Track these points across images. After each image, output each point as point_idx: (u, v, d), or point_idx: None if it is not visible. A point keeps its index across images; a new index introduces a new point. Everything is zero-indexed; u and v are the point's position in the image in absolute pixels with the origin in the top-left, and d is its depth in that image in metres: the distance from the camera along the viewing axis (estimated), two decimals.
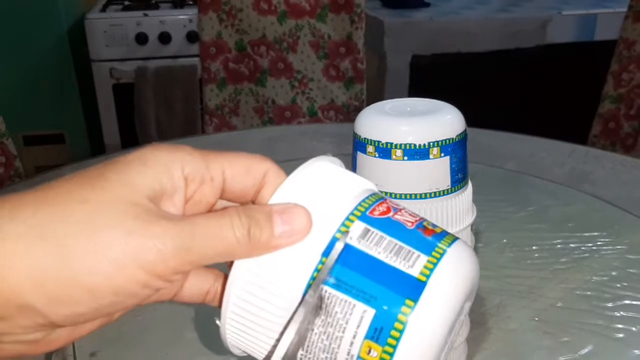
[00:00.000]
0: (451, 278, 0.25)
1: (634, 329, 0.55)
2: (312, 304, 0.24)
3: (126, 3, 1.96)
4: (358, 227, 0.25)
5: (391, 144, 0.41)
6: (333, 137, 1.03)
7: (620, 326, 0.55)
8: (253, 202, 0.28)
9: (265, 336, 0.25)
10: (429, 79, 1.79)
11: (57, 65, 1.88)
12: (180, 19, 1.85)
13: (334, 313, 0.24)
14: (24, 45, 1.83)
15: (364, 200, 0.27)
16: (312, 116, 1.48)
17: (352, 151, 0.44)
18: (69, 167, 0.94)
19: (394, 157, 0.41)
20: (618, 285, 0.61)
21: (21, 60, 1.84)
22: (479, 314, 0.56)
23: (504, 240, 0.69)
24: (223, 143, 1.01)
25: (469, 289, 0.26)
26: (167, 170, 0.25)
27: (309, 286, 0.25)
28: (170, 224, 0.23)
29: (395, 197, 0.42)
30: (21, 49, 1.83)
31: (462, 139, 0.42)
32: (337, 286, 0.24)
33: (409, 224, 0.26)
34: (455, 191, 0.43)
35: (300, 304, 0.24)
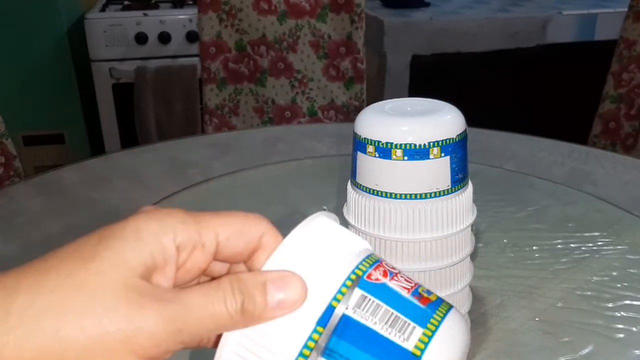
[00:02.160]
0: (445, 352, 0.25)
1: (634, 329, 0.55)
2: None
3: (126, 3, 1.96)
4: (355, 294, 0.25)
5: (391, 143, 0.41)
6: (333, 137, 1.03)
7: (620, 326, 0.55)
8: (246, 262, 0.28)
9: None
10: (429, 78, 1.78)
11: (57, 65, 1.88)
12: (180, 18, 1.84)
13: None
14: (24, 45, 1.83)
15: (360, 264, 0.26)
16: (312, 116, 1.48)
17: (352, 151, 0.44)
18: (68, 167, 0.93)
19: (394, 157, 0.41)
20: (618, 285, 0.61)
21: (21, 60, 1.84)
22: (479, 314, 0.56)
23: (504, 241, 0.69)
24: (223, 143, 1.01)
25: (461, 358, 0.26)
26: (159, 242, 0.25)
27: (301, 354, 0.24)
28: (161, 307, 0.23)
29: (395, 197, 0.42)
30: (21, 48, 1.83)
31: (463, 138, 0.42)
32: (332, 357, 0.24)
33: (405, 291, 0.26)
34: (455, 191, 0.43)
35: None
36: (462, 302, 0.47)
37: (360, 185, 0.43)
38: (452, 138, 0.41)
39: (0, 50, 1.80)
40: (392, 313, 0.25)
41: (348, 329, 0.24)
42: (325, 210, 0.29)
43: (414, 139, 0.40)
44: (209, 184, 0.84)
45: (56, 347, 0.22)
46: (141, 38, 1.82)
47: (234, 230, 0.27)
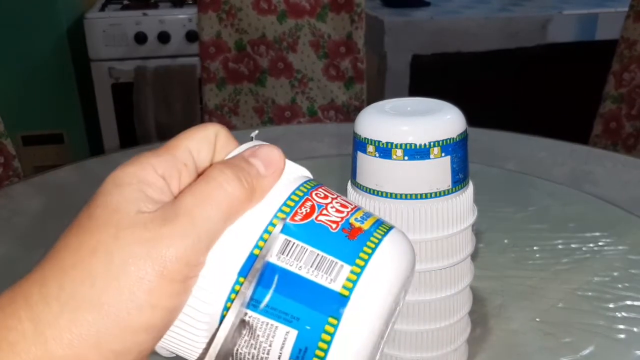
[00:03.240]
0: (377, 287, 0.24)
1: (635, 329, 0.55)
2: (233, 325, 0.23)
3: (125, 2, 1.96)
4: (279, 240, 0.24)
5: (391, 143, 0.41)
6: (333, 137, 1.03)
7: (621, 327, 0.55)
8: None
9: (193, 347, 0.25)
10: (429, 78, 1.78)
11: (56, 64, 1.88)
12: (179, 18, 1.84)
13: (257, 335, 0.23)
14: (23, 45, 1.83)
15: (286, 202, 0.25)
16: (312, 116, 1.48)
17: (352, 151, 0.44)
18: (67, 167, 0.93)
19: (394, 157, 0.41)
20: (619, 285, 0.61)
21: (20, 59, 1.84)
22: (480, 314, 0.56)
23: (505, 241, 0.69)
24: None
25: (399, 289, 0.25)
26: (142, 180, 0.24)
27: (225, 308, 0.24)
28: (170, 229, 0.23)
29: (396, 197, 0.42)
30: (20, 48, 1.83)
31: (463, 138, 0.42)
32: (257, 308, 0.23)
33: (334, 225, 0.25)
34: (456, 191, 0.42)
35: (219, 325, 0.24)
36: (463, 303, 0.47)
37: (361, 185, 0.43)
38: (453, 138, 0.41)
39: None
40: (318, 254, 0.24)
41: (272, 277, 0.24)
42: (253, 138, 0.28)
43: (415, 138, 0.40)
44: None
45: (103, 310, 0.22)
46: (141, 38, 1.82)
47: (201, 139, 0.27)
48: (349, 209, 0.26)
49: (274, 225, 0.24)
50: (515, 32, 1.78)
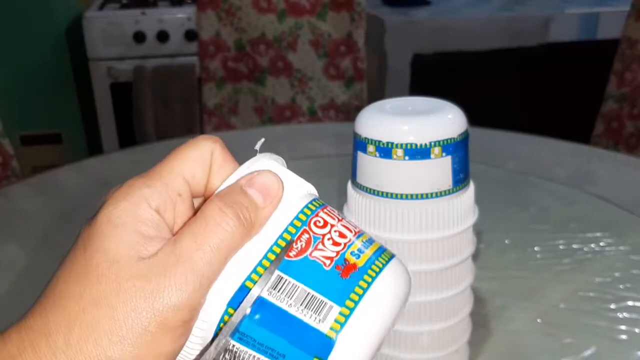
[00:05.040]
0: (366, 330, 0.24)
1: (637, 330, 0.54)
2: (218, 353, 0.23)
3: (124, 1, 1.96)
4: (272, 276, 0.24)
5: (392, 143, 0.40)
6: (333, 137, 1.02)
7: (623, 327, 0.55)
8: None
9: None
10: (430, 78, 1.78)
11: (55, 64, 1.87)
12: (178, 17, 1.84)
13: None
14: (22, 44, 1.83)
15: (282, 235, 0.25)
16: (312, 115, 1.47)
17: (352, 151, 0.44)
18: (66, 167, 0.93)
19: (394, 156, 0.40)
20: (621, 286, 0.60)
21: (18, 59, 1.84)
22: (481, 315, 0.56)
23: (506, 241, 0.69)
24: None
25: (390, 325, 0.25)
26: (137, 218, 0.24)
27: (215, 334, 0.24)
28: (169, 276, 0.23)
29: (396, 198, 0.42)
30: (18, 48, 1.83)
31: (464, 138, 0.42)
32: (243, 341, 0.23)
33: (327, 262, 0.24)
34: (456, 191, 0.42)
35: (205, 352, 0.24)
36: (464, 304, 0.47)
37: (361, 185, 0.43)
38: (454, 138, 0.41)
39: None
40: (309, 293, 0.24)
41: (261, 312, 0.23)
42: (257, 150, 0.27)
43: (415, 138, 0.40)
44: None
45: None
46: (139, 37, 1.82)
47: (195, 161, 0.26)
48: (348, 239, 0.25)
49: (269, 260, 0.24)
50: (517, 32, 1.78)
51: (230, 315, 0.23)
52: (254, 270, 0.24)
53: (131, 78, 1.84)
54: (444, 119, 0.41)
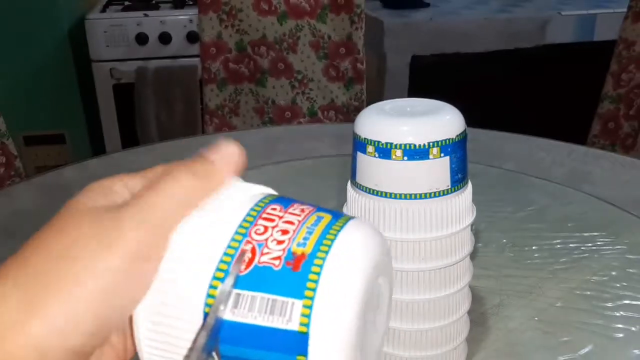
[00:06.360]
0: (335, 308, 0.23)
1: (633, 328, 0.55)
2: None
3: (126, 3, 1.96)
4: (229, 297, 0.24)
5: (391, 144, 0.41)
6: (333, 138, 1.03)
7: (620, 326, 0.55)
8: None
9: None
10: (428, 79, 1.79)
11: (58, 65, 1.88)
12: (180, 19, 1.85)
13: None
14: (25, 46, 1.83)
15: (222, 259, 0.24)
16: (312, 116, 1.48)
17: (352, 151, 0.44)
18: (69, 167, 0.94)
19: (393, 157, 0.41)
20: (618, 285, 0.61)
21: (22, 60, 1.84)
22: (479, 313, 0.57)
23: (504, 240, 0.69)
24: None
25: (364, 289, 0.24)
26: (108, 187, 0.25)
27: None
28: (126, 210, 0.24)
29: (395, 197, 0.42)
30: (22, 49, 1.83)
31: (462, 139, 0.42)
32: None
33: (276, 262, 0.24)
34: (455, 191, 0.43)
35: None
36: (462, 302, 0.47)
37: (360, 185, 0.44)
38: (452, 138, 0.41)
39: (1, 50, 1.80)
40: (269, 299, 0.23)
41: (230, 333, 0.23)
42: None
43: (414, 139, 0.41)
44: None
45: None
46: (142, 38, 1.82)
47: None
48: (291, 234, 0.24)
49: (218, 279, 0.24)
50: (514, 33, 1.79)
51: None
52: (207, 294, 0.24)
53: (133, 79, 1.85)
54: (442, 120, 0.42)
